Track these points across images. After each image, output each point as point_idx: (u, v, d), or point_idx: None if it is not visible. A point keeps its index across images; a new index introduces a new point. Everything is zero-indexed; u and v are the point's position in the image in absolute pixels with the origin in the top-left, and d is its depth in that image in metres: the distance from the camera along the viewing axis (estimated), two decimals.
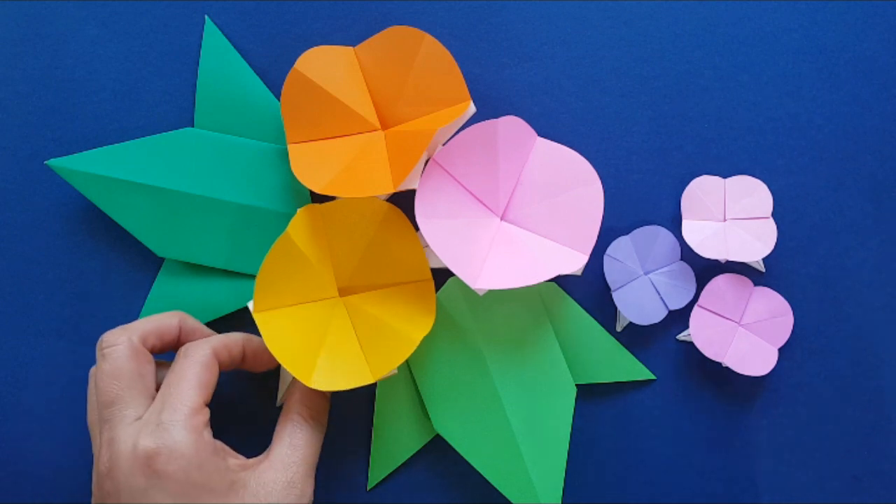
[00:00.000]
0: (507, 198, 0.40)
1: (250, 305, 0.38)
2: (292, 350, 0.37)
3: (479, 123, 0.39)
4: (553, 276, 0.39)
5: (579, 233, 0.40)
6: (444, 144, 0.40)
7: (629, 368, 0.43)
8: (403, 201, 0.43)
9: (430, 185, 0.39)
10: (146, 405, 0.34)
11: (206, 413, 0.34)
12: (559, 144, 0.40)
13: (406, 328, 0.39)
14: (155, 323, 0.37)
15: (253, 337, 0.39)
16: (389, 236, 0.39)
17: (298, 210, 0.39)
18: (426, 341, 0.40)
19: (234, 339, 0.38)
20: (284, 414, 0.37)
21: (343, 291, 0.40)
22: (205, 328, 0.40)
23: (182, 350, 0.36)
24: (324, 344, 0.38)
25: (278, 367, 0.40)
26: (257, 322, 0.37)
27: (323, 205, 0.39)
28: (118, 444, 0.32)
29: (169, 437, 0.32)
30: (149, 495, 0.31)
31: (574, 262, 0.39)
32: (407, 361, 0.42)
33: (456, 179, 0.39)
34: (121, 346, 0.35)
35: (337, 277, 0.39)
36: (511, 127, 0.39)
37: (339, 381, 0.37)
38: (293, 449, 0.36)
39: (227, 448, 0.35)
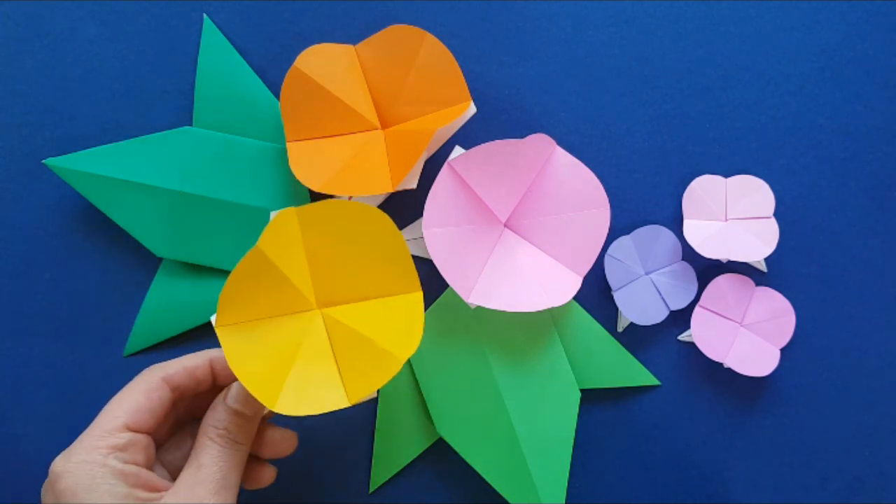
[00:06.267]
0: (515, 204, 0.40)
1: (213, 319, 0.34)
2: (258, 369, 0.33)
3: (505, 141, 0.39)
4: (544, 308, 0.39)
5: (579, 254, 0.40)
6: (445, 146, 0.40)
7: (634, 374, 0.42)
8: (402, 201, 0.43)
9: (440, 191, 0.39)
10: None
11: (125, 437, 0.33)
12: (577, 161, 0.40)
13: (390, 346, 0.34)
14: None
15: (221, 352, 0.36)
16: (375, 244, 0.35)
17: (274, 214, 0.34)
18: (429, 344, 0.40)
19: (194, 360, 0.36)
20: (198, 434, 0.35)
21: (322, 304, 0.35)
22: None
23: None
24: (295, 363, 0.34)
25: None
26: (219, 337, 0.33)
27: (303, 207, 0.34)
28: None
29: (68, 458, 0.32)
30: None
31: (567, 288, 0.39)
32: (410, 364, 0.41)
33: (468, 185, 0.39)
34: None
35: (315, 288, 0.35)
36: (535, 142, 0.39)
37: (308, 404, 0.33)
38: (198, 469, 0.33)
39: (149, 477, 0.33)
